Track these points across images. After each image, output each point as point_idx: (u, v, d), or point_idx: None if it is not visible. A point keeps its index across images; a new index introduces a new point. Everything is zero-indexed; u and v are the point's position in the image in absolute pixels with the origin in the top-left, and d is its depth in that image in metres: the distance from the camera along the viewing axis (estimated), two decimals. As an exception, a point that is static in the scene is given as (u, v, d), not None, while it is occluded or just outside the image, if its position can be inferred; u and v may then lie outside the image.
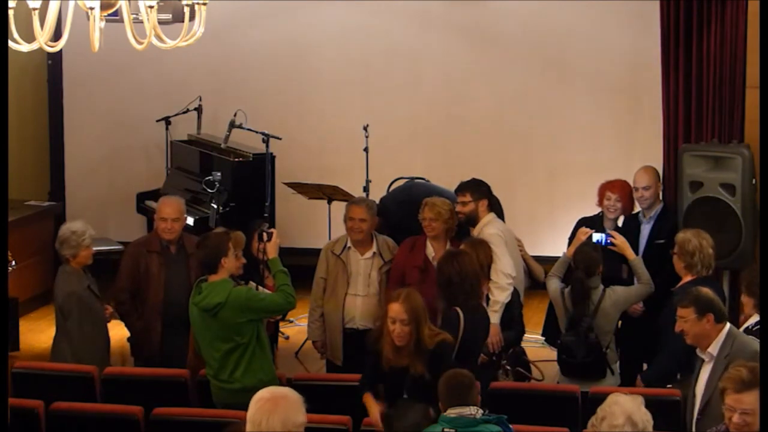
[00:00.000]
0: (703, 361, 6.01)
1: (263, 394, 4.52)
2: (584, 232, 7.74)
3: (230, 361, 6.74)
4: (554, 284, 7.53)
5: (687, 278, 7.12)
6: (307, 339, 9.54)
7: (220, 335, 6.73)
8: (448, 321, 6.63)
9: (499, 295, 7.50)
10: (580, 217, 8.44)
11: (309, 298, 8.11)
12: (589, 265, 7.34)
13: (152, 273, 7.87)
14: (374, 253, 7.95)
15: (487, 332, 7.07)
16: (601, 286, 7.38)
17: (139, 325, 7.89)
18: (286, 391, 4.56)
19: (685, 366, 6.71)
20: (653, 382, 7.02)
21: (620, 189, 8.24)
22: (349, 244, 7.94)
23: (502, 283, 7.54)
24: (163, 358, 7.72)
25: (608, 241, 7.67)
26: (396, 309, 6.11)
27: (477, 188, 7.92)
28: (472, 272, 6.81)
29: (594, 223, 8.22)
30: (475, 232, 7.79)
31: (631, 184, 8.24)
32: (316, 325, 8.01)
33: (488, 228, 7.76)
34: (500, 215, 8.19)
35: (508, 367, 7.56)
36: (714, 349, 5.94)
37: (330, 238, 9.62)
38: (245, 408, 6.35)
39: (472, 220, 7.87)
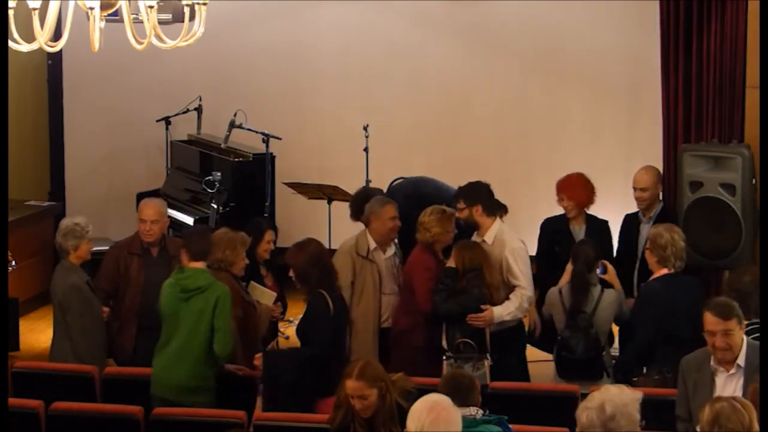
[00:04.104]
0: (714, 372, 5.79)
1: (422, 405, 4.62)
2: (570, 272, 7.71)
3: (180, 353, 6.87)
4: (551, 291, 7.56)
5: (660, 272, 7.21)
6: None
7: (184, 322, 6.87)
8: (317, 303, 6.77)
9: (516, 310, 7.47)
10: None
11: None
12: (589, 260, 7.39)
13: (131, 275, 7.85)
14: (395, 252, 7.95)
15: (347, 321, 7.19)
16: (599, 286, 7.41)
17: (114, 327, 7.86)
18: (448, 400, 4.69)
19: (647, 360, 6.99)
20: (622, 377, 7.11)
21: (568, 188, 8.23)
22: (373, 245, 7.83)
23: (525, 303, 7.53)
24: (137, 361, 7.68)
25: (601, 269, 7.66)
26: (352, 386, 5.53)
27: (469, 194, 7.78)
28: (322, 261, 6.92)
29: (559, 223, 8.23)
30: (487, 239, 7.63)
31: (632, 184, 8.26)
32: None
33: (511, 242, 7.61)
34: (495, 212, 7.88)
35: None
36: (741, 359, 5.72)
37: (330, 238, 9.62)
38: (179, 405, 6.48)
39: (471, 226, 7.79)
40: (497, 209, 7.80)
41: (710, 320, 5.70)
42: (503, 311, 7.44)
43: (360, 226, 8.06)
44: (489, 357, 7.27)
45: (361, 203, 8.20)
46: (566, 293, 7.43)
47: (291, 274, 7.03)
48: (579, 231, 8.17)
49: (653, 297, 7.17)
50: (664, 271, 7.22)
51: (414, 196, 8.68)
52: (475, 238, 7.75)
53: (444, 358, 7.32)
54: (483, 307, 7.36)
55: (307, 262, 6.91)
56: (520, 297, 7.52)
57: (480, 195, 7.75)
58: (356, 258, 7.78)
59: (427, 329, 7.55)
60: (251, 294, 7.58)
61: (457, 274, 7.44)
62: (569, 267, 7.68)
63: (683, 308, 7.16)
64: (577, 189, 8.21)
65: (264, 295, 7.66)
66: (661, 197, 8.31)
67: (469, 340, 7.30)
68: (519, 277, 7.54)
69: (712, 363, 5.82)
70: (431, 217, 7.79)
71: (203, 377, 6.93)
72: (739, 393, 5.62)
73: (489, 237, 7.65)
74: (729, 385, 5.71)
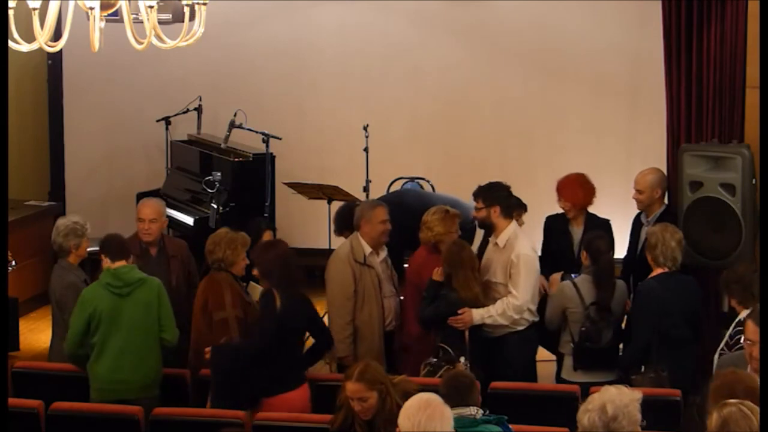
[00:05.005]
0: None
1: (415, 403, 4.60)
2: (555, 281, 7.70)
3: (141, 350, 6.90)
4: (564, 284, 7.51)
5: (657, 272, 7.24)
6: (307, 339, 9.53)
7: (129, 318, 6.88)
8: (265, 300, 6.77)
9: (499, 316, 7.38)
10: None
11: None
12: (610, 250, 7.42)
13: None
14: (386, 254, 7.92)
15: (309, 319, 7.03)
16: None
17: None
18: (439, 398, 4.68)
19: (646, 359, 7.01)
20: (622, 376, 7.11)
21: (565, 189, 8.21)
22: (368, 250, 7.79)
23: (510, 311, 7.40)
24: None
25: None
26: (352, 388, 5.59)
27: (488, 194, 7.66)
28: (287, 261, 6.91)
29: (559, 222, 8.23)
30: (499, 242, 7.56)
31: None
32: (349, 340, 7.71)
33: (521, 247, 7.51)
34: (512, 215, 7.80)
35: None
36: None
37: (330, 238, 9.63)
38: (138, 402, 6.51)
39: (488, 227, 7.72)
40: (515, 211, 7.75)
41: (752, 329, 5.59)
42: (484, 314, 7.37)
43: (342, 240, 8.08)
44: (462, 360, 7.18)
45: (344, 218, 8.25)
46: (583, 284, 7.37)
47: (255, 272, 7.04)
48: (578, 231, 8.16)
49: (649, 295, 7.19)
50: (660, 270, 7.23)
51: (398, 204, 8.64)
52: (491, 240, 7.73)
53: (424, 363, 7.29)
54: (460, 311, 7.33)
55: (273, 261, 6.90)
56: (506, 304, 7.41)
57: (499, 196, 7.64)
58: (355, 265, 7.74)
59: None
60: (251, 294, 7.58)
61: (435, 285, 7.45)
62: (555, 278, 7.65)
63: (679, 307, 7.19)
64: (573, 189, 8.19)
65: (264, 296, 7.65)
66: (666, 200, 8.28)
67: (445, 345, 7.28)
68: (516, 284, 7.44)
69: (749, 370, 5.64)
70: (434, 216, 7.79)
71: (160, 368, 7.04)
72: None
73: (501, 240, 7.56)
74: None
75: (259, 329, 6.85)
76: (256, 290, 7.65)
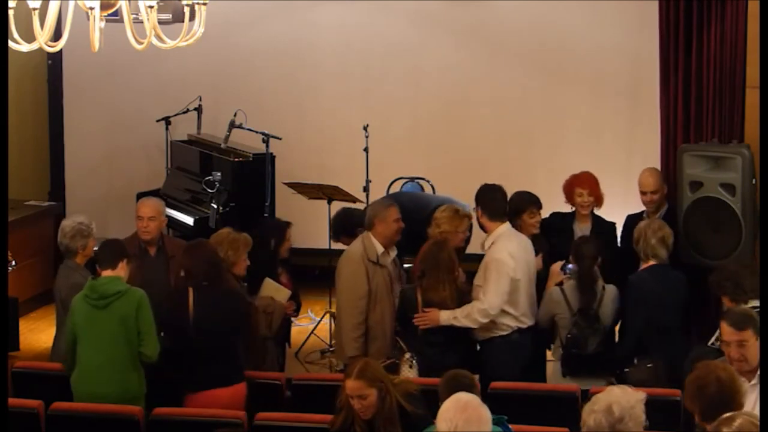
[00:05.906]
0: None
1: (453, 405, 4.58)
2: (555, 272, 7.64)
3: (124, 363, 6.77)
4: (552, 290, 7.49)
5: (646, 264, 7.31)
6: (307, 339, 9.55)
7: (105, 331, 6.76)
8: (176, 296, 6.89)
9: (464, 318, 7.30)
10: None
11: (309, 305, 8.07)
12: (593, 256, 7.37)
13: (129, 275, 7.82)
14: (396, 254, 7.90)
15: (233, 318, 6.97)
16: (601, 281, 7.41)
17: None
18: (477, 399, 4.67)
19: (637, 350, 7.10)
20: (618, 368, 7.15)
21: (589, 184, 8.20)
22: (381, 249, 7.74)
23: (475, 314, 7.32)
24: None
25: (570, 267, 7.64)
26: (351, 385, 5.64)
27: (477, 196, 7.64)
28: (207, 261, 6.95)
29: (566, 219, 8.21)
30: (486, 244, 7.50)
31: (639, 188, 8.22)
32: (361, 340, 7.65)
33: (496, 251, 7.40)
34: (503, 212, 7.69)
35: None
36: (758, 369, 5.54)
37: (330, 238, 9.63)
38: None
39: (484, 228, 7.69)
40: (527, 208, 7.75)
41: (725, 330, 5.60)
42: (449, 315, 7.31)
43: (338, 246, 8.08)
44: (408, 356, 7.20)
45: (342, 223, 8.24)
46: (570, 291, 7.38)
47: (182, 273, 7.08)
48: (584, 230, 8.13)
49: (642, 287, 7.26)
50: (646, 264, 7.31)
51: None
52: None
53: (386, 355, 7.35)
54: (426, 310, 7.31)
55: (202, 261, 6.95)
56: (471, 307, 7.33)
57: (483, 198, 7.58)
58: (369, 265, 7.69)
59: None
60: (264, 290, 7.59)
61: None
62: (555, 269, 7.65)
63: (671, 299, 7.22)
64: (596, 185, 8.21)
65: (279, 292, 7.65)
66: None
67: (398, 339, 7.34)
68: (485, 287, 7.34)
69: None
70: (443, 214, 7.82)
71: (142, 381, 6.88)
72: (750, 404, 5.38)
73: (487, 243, 7.50)
74: (751, 395, 5.42)
75: (166, 329, 6.93)
76: (270, 286, 7.65)
